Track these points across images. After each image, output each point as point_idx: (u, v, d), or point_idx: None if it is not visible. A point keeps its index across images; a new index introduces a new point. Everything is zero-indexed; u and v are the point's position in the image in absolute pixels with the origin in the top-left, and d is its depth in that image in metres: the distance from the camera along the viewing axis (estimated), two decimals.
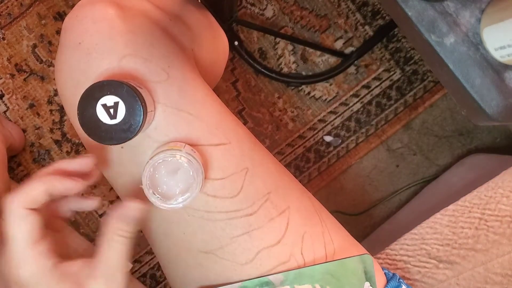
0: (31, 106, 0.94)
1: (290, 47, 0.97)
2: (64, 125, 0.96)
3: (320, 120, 0.99)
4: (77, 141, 0.96)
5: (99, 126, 0.33)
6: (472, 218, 0.58)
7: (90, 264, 0.34)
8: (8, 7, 0.94)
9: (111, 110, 0.33)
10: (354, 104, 0.98)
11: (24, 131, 0.94)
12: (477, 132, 1.00)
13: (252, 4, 0.96)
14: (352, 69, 0.97)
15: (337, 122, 0.99)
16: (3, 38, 0.94)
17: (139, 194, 0.40)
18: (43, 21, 0.94)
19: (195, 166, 0.35)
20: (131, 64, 0.38)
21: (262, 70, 0.95)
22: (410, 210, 0.95)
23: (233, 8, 0.84)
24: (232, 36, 0.93)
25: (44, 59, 0.94)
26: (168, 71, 0.39)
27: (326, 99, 0.98)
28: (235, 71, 0.97)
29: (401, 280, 0.48)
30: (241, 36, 0.96)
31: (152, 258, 1.00)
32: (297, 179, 0.47)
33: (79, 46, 0.38)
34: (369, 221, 1.02)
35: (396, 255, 0.62)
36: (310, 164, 1.00)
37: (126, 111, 0.33)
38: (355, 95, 0.98)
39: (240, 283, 0.39)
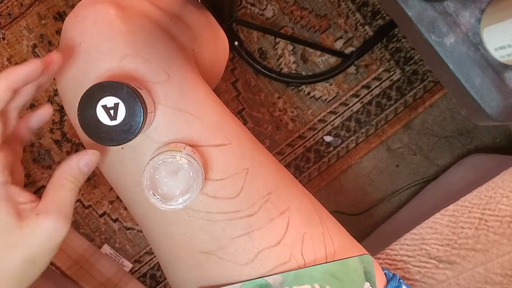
0: (31, 106, 0.94)
1: (290, 47, 0.97)
2: (64, 125, 0.96)
3: (320, 120, 0.99)
4: (77, 141, 0.96)
5: (99, 127, 0.33)
6: (472, 218, 0.58)
7: (37, 199, 0.33)
8: (8, 7, 0.94)
9: (111, 111, 0.33)
10: (354, 104, 0.98)
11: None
12: (477, 132, 1.00)
13: (252, 4, 0.96)
14: (352, 69, 0.97)
15: (337, 122, 0.99)
16: (3, 38, 0.94)
17: (139, 194, 0.40)
18: (43, 21, 0.94)
19: (195, 167, 0.35)
20: (131, 64, 0.38)
21: (262, 70, 0.95)
22: (410, 210, 0.95)
23: (233, 8, 0.84)
24: (232, 36, 0.93)
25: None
26: (168, 72, 0.39)
27: (326, 99, 0.98)
28: (235, 71, 0.97)
29: (401, 281, 0.48)
30: (241, 36, 0.96)
31: (152, 258, 1.00)
32: (297, 179, 0.47)
33: (79, 46, 0.38)
34: (369, 221, 1.02)
35: (396, 255, 0.62)
36: (310, 164, 1.00)
37: (126, 112, 0.33)
38: (355, 95, 0.98)
39: (239, 284, 0.39)
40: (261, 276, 0.39)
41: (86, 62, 0.38)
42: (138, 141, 0.38)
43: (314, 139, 0.99)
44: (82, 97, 0.33)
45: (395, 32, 0.96)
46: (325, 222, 0.44)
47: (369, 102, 0.98)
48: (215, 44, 0.55)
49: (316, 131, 0.99)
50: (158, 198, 0.35)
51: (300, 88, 0.98)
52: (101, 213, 0.98)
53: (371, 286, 0.43)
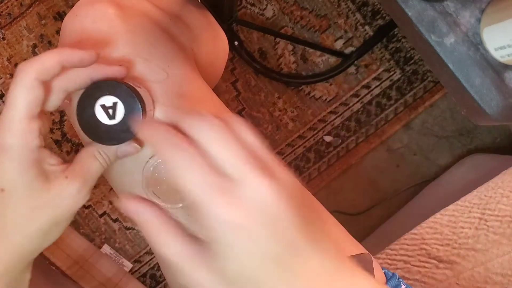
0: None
1: (290, 47, 0.97)
2: (64, 125, 0.96)
3: (320, 120, 0.99)
4: (77, 141, 0.96)
5: (98, 126, 0.33)
6: (472, 218, 0.58)
7: (67, 163, 0.34)
8: (8, 7, 0.94)
9: (110, 111, 0.33)
10: (354, 104, 0.98)
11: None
12: (477, 132, 1.00)
13: (252, 4, 0.96)
14: (352, 69, 0.97)
15: (337, 122, 0.99)
16: (3, 38, 0.94)
17: (138, 193, 0.40)
18: (43, 21, 0.94)
19: None
20: (130, 63, 0.38)
21: (262, 70, 0.95)
22: (410, 210, 0.95)
23: (233, 8, 0.84)
24: (232, 36, 0.93)
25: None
26: (167, 71, 0.39)
27: (326, 99, 0.98)
28: (235, 71, 0.97)
29: (401, 280, 0.48)
30: (241, 36, 0.96)
31: (152, 258, 1.00)
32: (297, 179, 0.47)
33: (78, 45, 0.38)
34: (369, 221, 1.02)
35: (396, 255, 0.62)
36: (310, 164, 1.00)
37: (125, 111, 0.33)
38: (355, 95, 0.98)
39: None
40: None
41: None
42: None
43: (314, 139, 0.99)
44: (80, 96, 0.33)
45: (395, 32, 0.96)
46: (325, 222, 0.44)
47: (369, 102, 0.98)
48: (214, 44, 0.55)
49: (316, 131, 0.99)
50: (157, 197, 0.35)
51: (300, 88, 0.98)
52: (101, 213, 0.98)
53: None
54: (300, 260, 0.25)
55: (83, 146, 0.37)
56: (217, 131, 0.26)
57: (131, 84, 0.34)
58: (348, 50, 0.97)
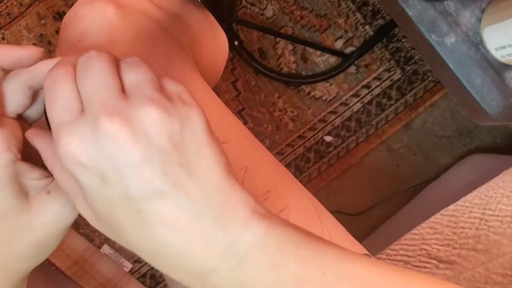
0: None
1: (290, 47, 0.97)
2: None
3: (320, 120, 0.99)
4: None
5: None
6: (473, 218, 0.58)
7: (52, 178, 0.30)
8: (7, 7, 0.94)
9: None
10: (354, 104, 0.98)
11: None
12: (477, 132, 1.00)
13: (252, 4, 0.95)
14: (352, 69, 0.97)
15: (337, 122, 0.99)
16: (3, 38, 0.94)
17: None
18: (42, 21, 0.94)
19: None
20: None
21: (262, 70, 0.95)
22: (410, 210, 0.95)
23: (233, 8, 0.84)
24: (232, 36, 0.93)
25: (43, 59, 0.94)
26: (167, 70, 0.39)
27: (326, 99, 0.98)
28: (235, 71, 0.97)
29: None
30: (241, 36, 0.96)
31: None
32: (297, 179, 0.47)
33: (78, 44, 0.38)
34: (369, 221, 1.02)
35: (396, 255, 0.62)
36: (310, 164, 1.00)
37: None
38: (355, 95, 0.98)
39: None
40: None
41: None
42: None
43: (314, 139, 0.99)
44: None
45: (396, 32, 0.96)
46: (325, 221, 0.44)
47: (369, 102, 0.98)
48: (214, 43, 0.55)
49: (316, 131, 0.99)
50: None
51: (300, 88, 0.98)
52: None
53: None
54: (159, 203, 0.24)
55: None
56: (90, 63, 0.25)
57: None
58: (348, 50, 0.97)
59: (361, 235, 1.00)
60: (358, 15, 0.96)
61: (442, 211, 0.63)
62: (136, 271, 1.00)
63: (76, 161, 0.23)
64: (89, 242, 0.97)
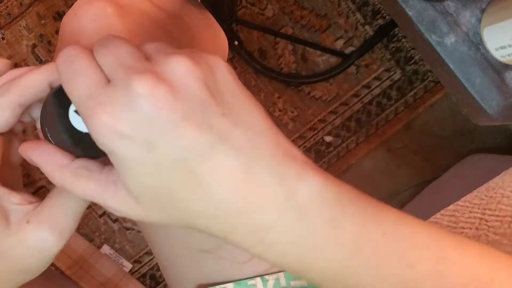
0: None
1: (290, 47, 0.97)
2: None
3: (320, 120, 0.99)
4: None
5: (80, 137, 0.27)
6: (473, 218, 0.58)
7: (37, 201, 0.28)
8: (7, 7, 0.94)
9: None
10: (355, 104, 0.98)
11: (23, 131, 0.94)
12: (477, 132, 1.00)
13: (252, 4, 0.95)
14: (352, 69, 0.97)
15: (337, 122, 0.99)
16: (3, 38, 0.94)
17: None
18: (42, 21, 0.94)
19: None
20: None
21: (262, 70, 0.95)
22: (410, 210, 0.95)
23: (233, 8, 0.84)
24: (232, 36, 0.93)
25: (43, 59, 0.94)
26: None
27: (326, 99, 0.98)
28: (235, 71, 0.97)
29: None
30: (241, 36, 0.96)
31: (151, 259, 1.00)
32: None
33: (77, 44, 0.38)
34: None
35: None
36: None
37: None
38: (356, 95, 0.98)
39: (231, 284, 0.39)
40: (258, 274, 0.39)
41: None
42: None
43: (314, 139, 0.99)
44: (43, 108, 0.27)
45: (396, 32, 0.96)
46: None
47: (370, 102, 0.98)
48: (214, 43, 0.55)
49: (316, 131, 0.99)
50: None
51: (300, 88, 0.98)
52: (101, 213, 0.98)
53: None
54: (212, 161, 0.22)
55: None
56: (107, 40, 0.24)
57: None
58: (348, 50, 0.97)
59: None
60: (358, 15, 0.96)
61: (442, 211, 0.63)
62: (136, 271, 1.00)
63: (117, 133, 0.21)
64: (89, 242, 0.97)
